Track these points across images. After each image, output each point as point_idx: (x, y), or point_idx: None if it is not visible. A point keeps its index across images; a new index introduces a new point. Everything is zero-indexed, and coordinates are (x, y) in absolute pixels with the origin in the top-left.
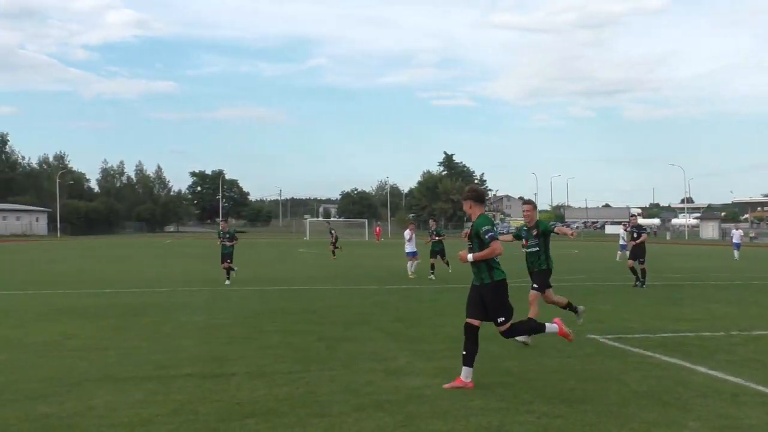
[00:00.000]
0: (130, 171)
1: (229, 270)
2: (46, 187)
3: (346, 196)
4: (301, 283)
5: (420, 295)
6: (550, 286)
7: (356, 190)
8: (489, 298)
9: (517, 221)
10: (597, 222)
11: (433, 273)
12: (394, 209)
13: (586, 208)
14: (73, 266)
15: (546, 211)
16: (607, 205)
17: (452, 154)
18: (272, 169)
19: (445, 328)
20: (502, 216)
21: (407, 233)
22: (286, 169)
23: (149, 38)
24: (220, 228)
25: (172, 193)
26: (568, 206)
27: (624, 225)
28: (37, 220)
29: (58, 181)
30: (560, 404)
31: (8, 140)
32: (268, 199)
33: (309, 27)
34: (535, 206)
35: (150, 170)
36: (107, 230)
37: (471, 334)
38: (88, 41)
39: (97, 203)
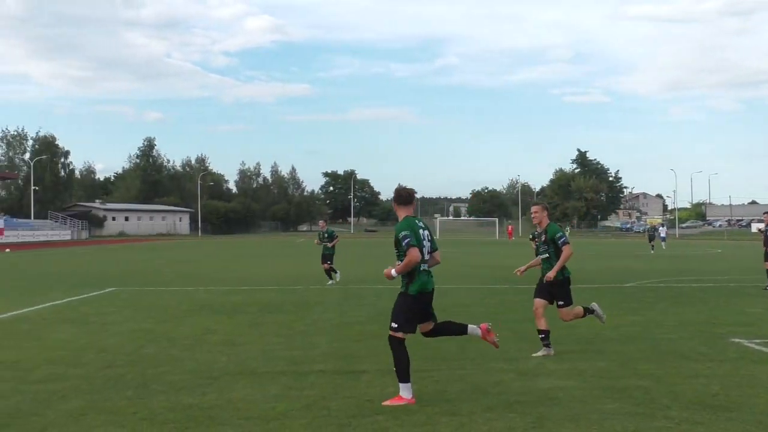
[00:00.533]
0: (266, 172)
1: (329, 271)
2: (189, 189)
3: (477, 195)
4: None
5: None
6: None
7: (486, 188)
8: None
9: (654, 219)
10: (742, 220)
11: None
12: (525, 208)
13: (730, 205)
14: (213, 264)
15: (686, 209)
16: (753, 202)
17: (585, 152)
18: (403, 168)
19: (579, 329)
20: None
21: None
22: (416, 169)
23: (285, 42)
24: (320, 228)
25: (305, 193)
26: (710, 204)
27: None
28: (180, 220)
29: (199, 182)
30: (702, 410)
31: (155, 144)
32: None
33: (439, 26)
34: (544, 207)
35: (285, 171)
36: (244, 229)
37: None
38: (228, 48)
39: (235, 203)
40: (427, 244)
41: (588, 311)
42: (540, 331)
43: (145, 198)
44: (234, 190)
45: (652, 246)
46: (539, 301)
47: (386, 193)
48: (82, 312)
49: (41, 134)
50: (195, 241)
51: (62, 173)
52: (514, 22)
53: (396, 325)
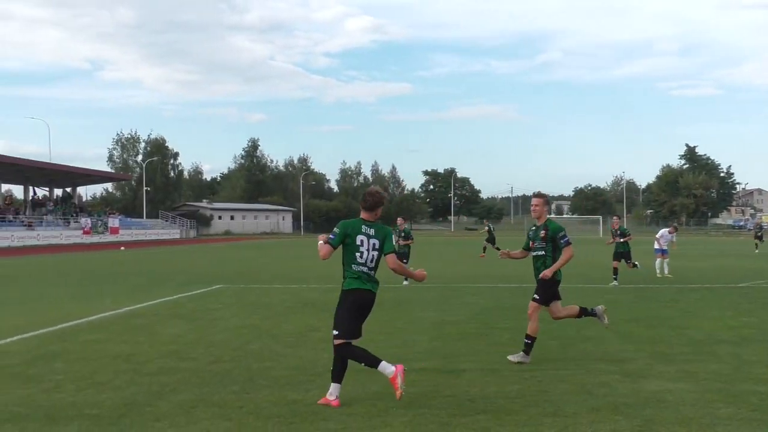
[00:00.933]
0: (366, 171)
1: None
2: (291, 188)
3: (579, 192)
4: (532, 281)
5: (658, 295)
6: (557, 298)
7: (590, 185)
8: None
9: (765, 216)
10: None
11: (615, 279)
12: (630, 205)
13: None
14: (315, 262)
15: None
16: None
17: (695, 147)
18: (503, 166)
19: (689, 330)
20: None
21: (664, 231)
22: (517, 166)
23: (385, 42)
24: (397, 225)
25: (405, 192)
26: None
27: None
28: (283, 219)
29: (301, 182)
30: None
31: (259, 145)
32: (500, 197)
33: (540, 22)
34: (546, 200)
35: (385, 170)
36: None
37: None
38: (330, 49)
39: (336, 202)
40: (365, 252)
41: (586, 312)
42: (527, 336)
43: (250, 197)
44: (335, 189)
45: (756, 245)
46: (533, 304)
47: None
48: (191, 308)
49: (152, 137)
50: (298, 239)
51: (172, 174)
52: (619, 15)
53: (336, 332)
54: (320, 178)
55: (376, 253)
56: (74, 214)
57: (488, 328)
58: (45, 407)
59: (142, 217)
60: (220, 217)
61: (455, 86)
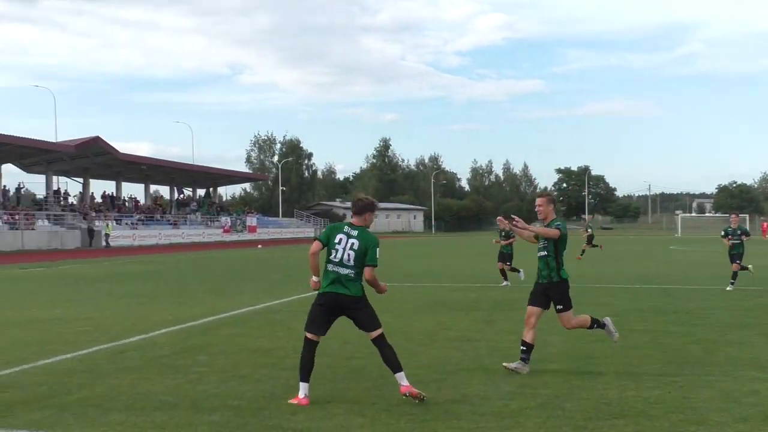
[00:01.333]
0: (497, 170)
1: (504, 271)
2: (422, 187)
3: (723, 190)
4: (673, 282)
5: None
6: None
7: (735, 182)
8: None
9: None
10: None
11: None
12: None
13: None
14: (447, 261)
15: None
16: None
17: None
18: (641, 163)
19: None
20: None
21: None
22: (655, 163)
23: (516, 39)
24: (498, 224)
25: (538, 190)
26: None
27: None
28: (414, 218)
29: (432, 181)
30: None
31: (390, 144)
32: (636, 195)
33: (681, 12)
34: (551, 200)
35: (516, 168)
36: (476, 227)
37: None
38: (460, 47)
39: (467, 201)
40: (341, 250)
41: (597, 324)
42: (523, 343)
43: (381, 196)
44: (466, 188)
45: None
46: (533, 309)
47: (623, 189)
48: None
49: (288, 138)
50: (429, 238)
51: (306, 174)
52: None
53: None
54: (451, 177)
55: (353, 252)
56: (215, 214)
57: (626, 330)
58: (190, 397)
59: (278, 216)
60: (352, 216)
61: (590, 81)
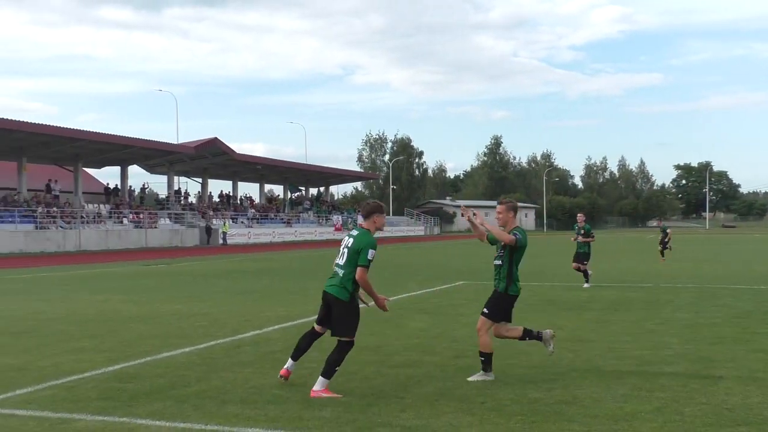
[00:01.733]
0: (612, 166)
1: (580, 271)
2: (534, 185)
3: None
4: None
5: None
6: (507, 320)
7: None
8: None
9: None
10: None
11: None
12: None
13: None
14: (556, 260)
15: None
16: None
17: None
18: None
19: None
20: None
21: None
22: None
23: (634, 32)
24: (577, 222)
25: (655, 188)
26: None
27: None
28: (525, 216)
29: (544, 178)
30: None
31: (501, 142)
32: (762, 192)
33: None
34: (511, 207)
35: (633, 165)
36: (590, 225)
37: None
38: (574, 42)
39: (580, 199)
40: (341, 248)
41: (531, 335)
42: (480, 353)
43: (492, 194)
44: (580, 185)
45: None
46: (483, 319)
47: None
48: (435, 303)
49: (398, 137)
50: (541, 236)
51: (416, 172)
52: None
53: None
54: (564, 174)
55: (346, 250)
56: (327, 212)
57: (749, 333)
58: (302, 392)
59: (389, 215)
60: (462, 215)
61: (712, 73)
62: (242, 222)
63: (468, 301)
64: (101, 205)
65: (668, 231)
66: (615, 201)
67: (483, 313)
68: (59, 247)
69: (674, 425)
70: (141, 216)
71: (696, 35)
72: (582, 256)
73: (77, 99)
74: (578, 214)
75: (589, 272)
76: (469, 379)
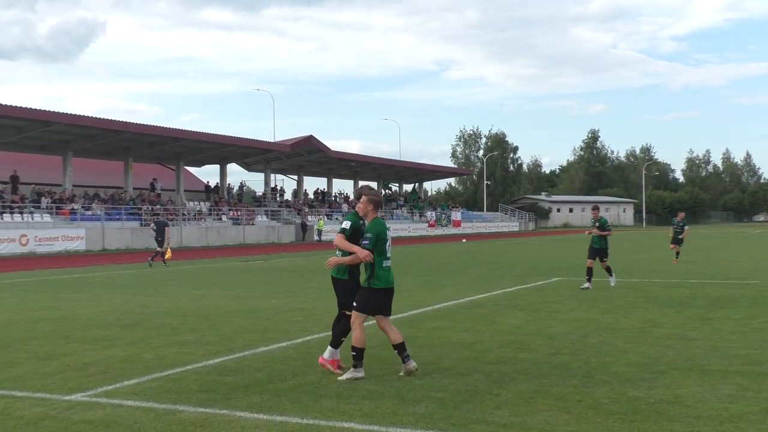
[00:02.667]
0: (716, 159)
1: (591, 270)
2: (632, 179)
3: None
4: None
5: None
6: (383, 313)
7: None
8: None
9: None
10: None
11: None
12: None
13: None
14: (657, 255)
15: None
16: None
17: None
18: None
19: None
20: None
21: None
22: None
23: (741, 20)
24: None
25: (762, 181)
26: None
27: None
28: (624, 211)
29: (644, 172)
30: None
31: (599, 136)
32: None
33: None
34: (371, 200)
35: (738, 158)
36: (692, 220)
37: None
38: (677, 32)
39: (681, 193)
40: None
41: (402, 351)
42: (352, 348)
43: (589, 189)
44: (681, 179)
45: None
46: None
47: None
48: (530, 300)
49: (493, 132)
50: (639, 232)
51: (511, 168)
52: None
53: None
54: (664, 169)
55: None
56: (421, 208)
57: None
58: (396, 387)
59: (483, 210)
60: (558, 210)
61: None
62: (337, 218)
63: (563, 298)
64: (201, 203)
65: (685, 228)
66: (719, 195)
67: (353, 307)
68: None
69: None
70: (239, 213)
71: None
72: (597, 252)
73: (180, 99)
74: (680, 213)
75: (612, 275)
76: (340, 378)
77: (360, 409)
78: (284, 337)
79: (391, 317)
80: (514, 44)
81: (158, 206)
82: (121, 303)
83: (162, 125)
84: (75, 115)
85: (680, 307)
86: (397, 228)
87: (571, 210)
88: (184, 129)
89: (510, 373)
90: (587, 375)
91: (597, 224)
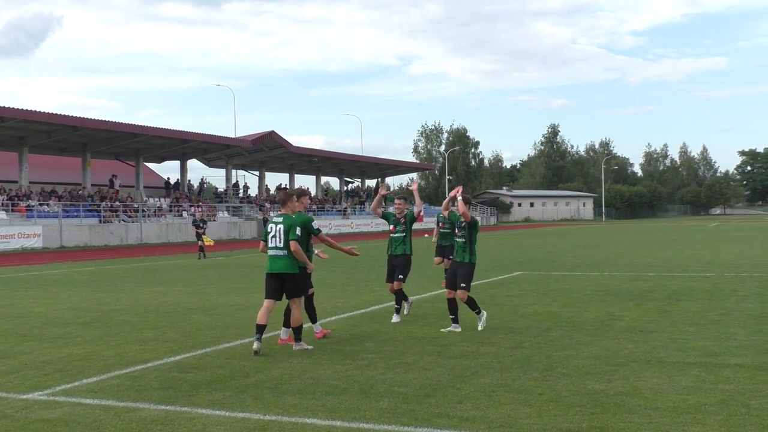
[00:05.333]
0: (673, 153)
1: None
2: (592, 174)
3: None
4: None
5: None
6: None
7: None
8: None
9: None
10: None
11: None
12: None
13: None
14: (617, 249)
15: None
16: None
17: None
18: None
19: None
20: None
21: None
22: None
23: (698, 15)
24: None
25: (718, 175)
26: None
27: None
28: (583, 205)
29: (603, 167)
30: None
31: (559, 131)
32: None
33: None
34: (289, 195)
35: (695, 152)
36: (650, 214)
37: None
38: (636, 27)
39: (640, 187)
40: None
41: (296, 333)
42: (258, 327)
43: (549, 184)
44: (639, 173)
45: None
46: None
47: None
48: (492, 294)
49: (454, 127)
50: (599, 226)
51: (473, 163)
52: None
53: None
54: (623, 163)
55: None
56: (383, 203)
57: None
58: (359, 382)
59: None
60: (519, 204)
61: None
62: None
63: (525, 292)
64: (161, 199)
65: None
66: (676, 189)
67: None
68: (122, 241)
69: (740, 418)
70: (200, 209)
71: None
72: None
73: (140, 95)
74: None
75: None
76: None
77: (323, 405)
78: (246, 333)
79: (353, 313)
80: (476, 39)
81: (117, 203)
82: (79, 300)
83: (121, 121)
84: (30, 110)
85: (639, 300)
86: (359, 223)
87: (532, 204)
88: (143, 125)
89: (472, 367)
90: (548, 368)
91: (445, 221)
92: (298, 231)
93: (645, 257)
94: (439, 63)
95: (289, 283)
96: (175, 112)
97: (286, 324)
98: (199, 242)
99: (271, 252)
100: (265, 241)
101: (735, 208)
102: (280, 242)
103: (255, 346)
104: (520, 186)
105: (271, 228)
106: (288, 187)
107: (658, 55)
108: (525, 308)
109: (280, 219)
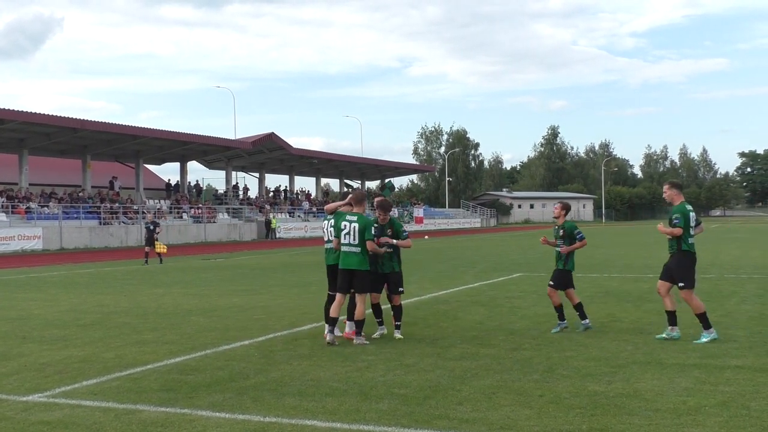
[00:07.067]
0: (673, 155)
1: None
2: (592, 175)
3: None
4: None
5: None
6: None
7: None
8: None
9: None
10: None
11: None
12: None
13: None
14: (618, 250)
15: None
16: None
17: None
18: None
19: None
20: None
21: None
22: None
23: (699, 16)
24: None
25: (718, 176)
26: None
27: None
28: (583, 207)
29: (603, 168)
30: None
31: (559, 132)
32: None
33: None
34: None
35: (695, 153)
36: (650, 215)
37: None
38: (636, 28)
39: (640, 189)
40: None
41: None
42: (332, 320)
43: (549, 185)
44: (639, 175)
45: None
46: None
47: None
48: (491, 296)
49: (454, 128)
50: (598, 227)
51: (472, 164)
52: None
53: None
54: (623, 164)
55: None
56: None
57: None
58: (359, 384)
59: (445, 207)
60: (519, 206)
61: None
62: (299, 216)
63: (525, 294)
64: (162, 201)
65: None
66: None
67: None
68: (122, 242)
69: (740, 420)
70: (200, 211)
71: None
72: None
73: (140, 97)
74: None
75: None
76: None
77: (323, 407)
78: (246, 335)
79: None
80: (475, 40)
81: (117, 205)
82: (79, 302)
83: (121, 123)
84: (30, 112)
85: (639, 301)
86: None
87: (532, 206)
88: (143, 126)
89: (472, 368)
90: (548, 370)
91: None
92: (372, 230)
93: (645, 258)
94: (439, 65)
95: (359, 278)
96: (174, 114)
97: (350, 317)
98: (147, 247)
99: (344, 248)
100: (338, 237)
101: (735, 210)
102: (354, 239)
103: (328, 338)
104: (520, 187)
105: (345, 225)
106: (288, 189)
107: (658, 57)
108: (525, 310)
109: (354, 218)
